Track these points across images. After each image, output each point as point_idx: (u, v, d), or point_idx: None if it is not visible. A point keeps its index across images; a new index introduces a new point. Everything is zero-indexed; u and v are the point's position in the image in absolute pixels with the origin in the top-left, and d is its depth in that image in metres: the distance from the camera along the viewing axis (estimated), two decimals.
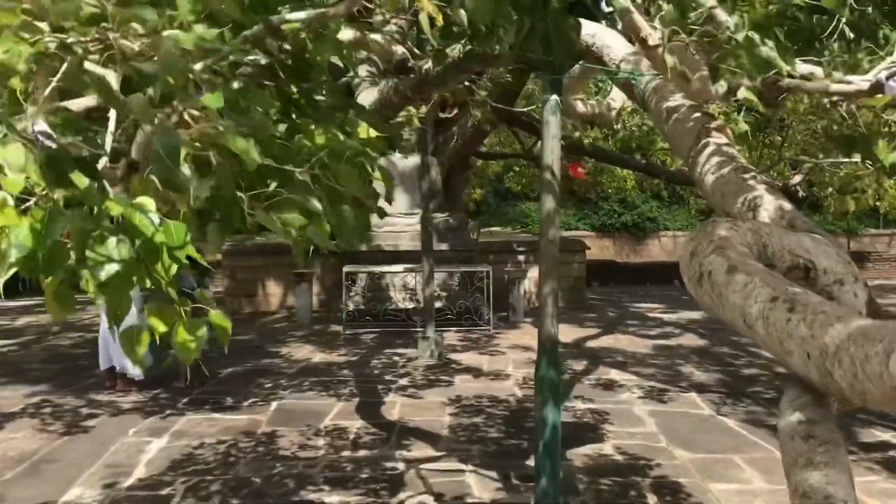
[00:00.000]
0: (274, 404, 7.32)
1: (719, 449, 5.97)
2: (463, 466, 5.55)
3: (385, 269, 11.68)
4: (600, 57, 3.75)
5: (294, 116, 2.74)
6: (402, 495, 5.03)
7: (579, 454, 5.83)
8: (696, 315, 13.19)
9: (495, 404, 7.33)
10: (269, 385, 8.15)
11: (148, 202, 2.04)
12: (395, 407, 7.22)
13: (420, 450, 5.95)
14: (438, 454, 5.85)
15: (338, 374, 8.71)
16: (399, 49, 4.19)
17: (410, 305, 11.75)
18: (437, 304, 11.73)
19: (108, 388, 7.87)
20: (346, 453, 5.86)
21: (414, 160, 12.77)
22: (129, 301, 2.15)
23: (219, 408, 7.22)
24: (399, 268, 11.63)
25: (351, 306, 11.67)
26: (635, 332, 11.70)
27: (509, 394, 7.71)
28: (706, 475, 5.38)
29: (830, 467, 1.45)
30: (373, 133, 2.68)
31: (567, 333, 11.34)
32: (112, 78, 2.02)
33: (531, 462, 5.63)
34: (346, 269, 11.62)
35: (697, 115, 2.93)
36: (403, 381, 8.31)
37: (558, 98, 4.00)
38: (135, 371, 7.85)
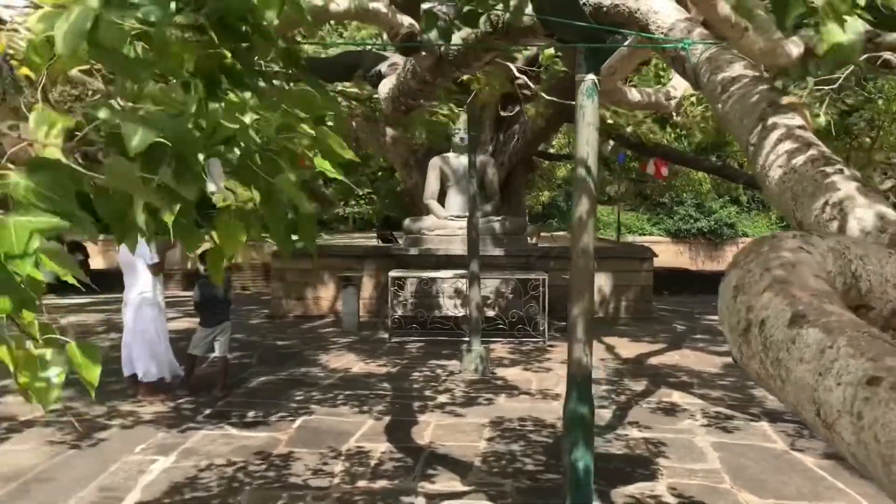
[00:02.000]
0: (299, 421, 6.75)
1: (794, 494, 5.13)
2: None
3: (433, 274, 11.04)
4: (645, 25, 3.03)
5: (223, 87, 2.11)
6: None
7: (625, 494, 5.07)
8: None
9: (539, 429, 6.61)
10: (300, 398, 7.60)
11: None
12: (427, 428, 6.57)
13: (445, 482, 5.28)
14: (465, 489, 5.17)
15: (375, 387, 8.11)
16: (405, 20, 3.54)
17: (461, 313, 11.08)
18: (490, 313, 11.05)
19: (132, 396, 7.45)
20: (362, 483, 5.23)
21: (467, 159, 12.10)
22: None
23: (238, 423, 6.69)
24: (448, 273, 10.97)
25: (399, 312, 11.06)
26: (704, 349, 10.77)
27: (556, 417, 6.96)
28: None
29: None
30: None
31: (628, 348, 10.52)
32: None
33: None
34: (392, 273, 11.02)
35: (763, 88, 2.19)
36: (442, 398, 7.65)
37: (595, 78, 3.27)
38: (159, 375, 7.43)
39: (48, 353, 1.73)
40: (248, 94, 2.03)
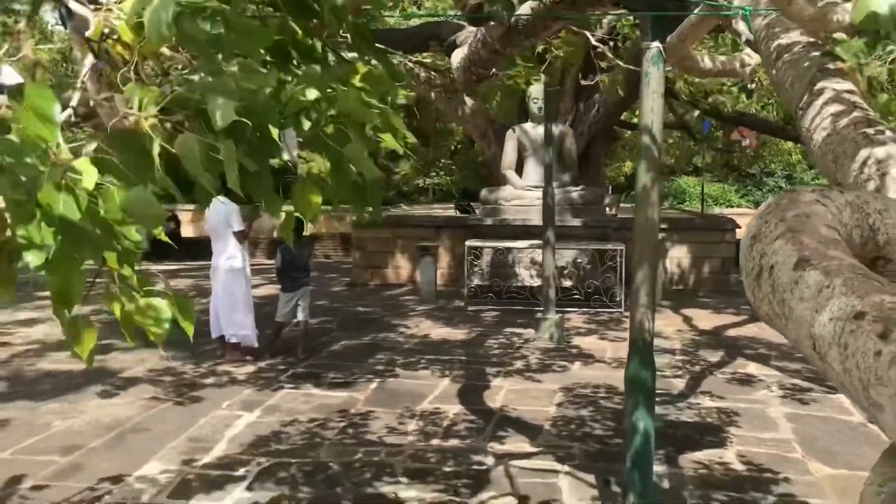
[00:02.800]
0: (377, 382, 7.02)
1: (865, 465, 5.07)
2: (558, 467, 4.99)
3: (508, 244, 11.15)
4: None
5: (295, 62, 2.28)
6: (483, 495, 4.56)
7: (693, 460, 5.13)
8: None
9: (610, 396, 6.69)
10: (378, 361, 7.87)
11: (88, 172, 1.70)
12: (499, 392, 6.74)
13: (515, 443, 5.44)
14: (534, 450, 5.32)
15: (450, 352, 8.31)
16: None
17: (537, 283, 11.16)
18: (567, 284, 11.11)
19: (220, 358, 7.85)
20: (434, 442, 5.44)
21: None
22: (81, 278, 1.83)
23: (320, 383, 6.99)
24: (524, 243, 11.05)
25: (475, 282, 11.23)
26: None
27: None
28: (844, 497, 4.57)
29: None
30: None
31: (707, 320, 10.45)
32: None
33: None
34: (468, 243, 11.18)
35: (815, 54, 2.23)
36: (517, 364, 7.80)
37: (661, 46, 3.33)
38: (246, 339, 7.80)
39: (151, 301, 1.96)
40: (317, 68, 2.19)
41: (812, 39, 2.32)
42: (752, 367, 7.78)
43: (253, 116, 1.96)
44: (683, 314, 10.87)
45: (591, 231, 11.70)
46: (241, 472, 4.84)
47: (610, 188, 18.61)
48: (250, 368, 7.53)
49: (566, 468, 4.96)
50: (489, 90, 9.21)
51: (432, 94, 12.45)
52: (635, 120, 21.69)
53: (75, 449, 5.18)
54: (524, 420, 5.98)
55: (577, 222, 11.62)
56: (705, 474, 4.92)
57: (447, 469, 4.94)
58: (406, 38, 8.71)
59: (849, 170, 1.80)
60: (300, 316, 8.03)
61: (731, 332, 9.69)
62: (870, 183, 1.76)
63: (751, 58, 5.16)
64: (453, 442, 5.44)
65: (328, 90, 2.13)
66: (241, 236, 7.83)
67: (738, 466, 5.05)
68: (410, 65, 10.58)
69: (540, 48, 5.92)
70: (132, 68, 2.08)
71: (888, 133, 1.78)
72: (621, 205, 17.79)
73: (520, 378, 7.26)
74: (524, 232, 11.39)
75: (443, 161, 25.33)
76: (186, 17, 1.80)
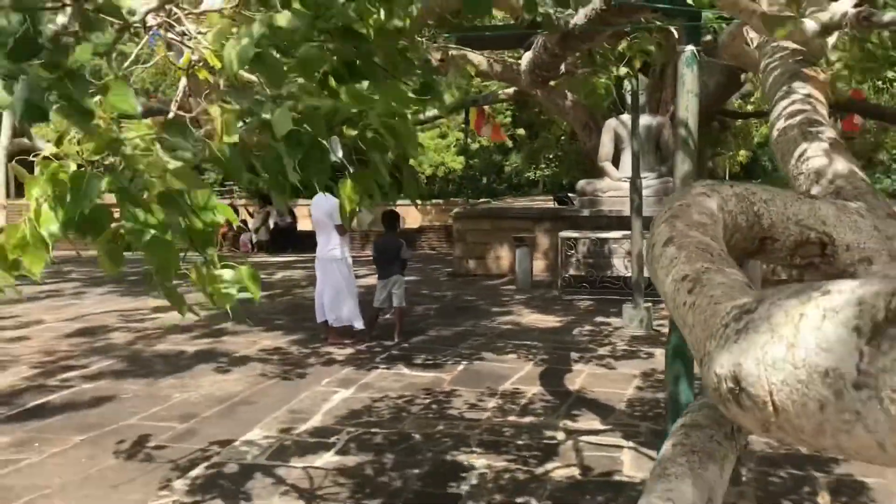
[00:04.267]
0: (464, 364, 7.48)
1: None
2: (623, 442, 5.30)
3: (601, 234, 11.37)
4: None
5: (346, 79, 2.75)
6: (549, 465, 4.94)
7: (758, 440, 5.33)
8: None
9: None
10: (469, 345, 8.33)
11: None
12: (580, 376, 7.06)
13: (587, 422, 5.78)
14: (604, 427, 5.65)
15: (539, 338, 8.68)
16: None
17: (631, 273, 11.34)
18: None
19: (324, 340, 8.50)
20: (511, 418, 5.85)
21: (645, 120, 12.24)
22: (177, 256, 2.35)
23: (412, 364, 7.51)
24: (617, 234, 11.26)
25: (570, 271, 11.52)
26: None
27: None
28: None
29: (681, 480, 1.20)
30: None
31: None
32: None
33: None
34: (562, 234, 11.48)
35: (794, 59, 2.50)
36: (602, 351, 8.08)
37: (694, 49, 3.61)
38: (349, 321, 8.42)
39: (225, 273, 2.47)
40: (364, 85, 2.63)
41: (796, 46, 2.59)
42: None
43: (308, 128, 2.45)
44: None
45: None
46: (332, 439, 5.40)
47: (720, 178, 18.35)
48: (350, 350, 8.14)
49: (631, 444, 5.27)
50: (574, 84, 9.45)
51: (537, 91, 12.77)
52: (750, 107, 21.26)
53: (191, 417, 5.88)
54: (599, 401, 6.30)
55: None
56: (768, 451, 5.11)
57: (519, 442, 5.34)
58: (501, 38, 9.12)
59: (789, 164, 2.11)
60: (395, 302, 8.59)
61: None
62: (800, 176, 2.07)
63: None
64: (528, 419, 5.83)
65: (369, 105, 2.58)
66: (341, 229, 8.45)
67: (801, 447, 5.22)
68: (510, 60, 10.97)
69: (622, 47, 6.17)
70: (214, 90, 2.61)
71: (826, 132, 2.07)
72: None
73: (602, 363, 7.55)
74: (619, 222, 11.59)
75: (552, 153, 25.55)
76: (263, 50, 2.31)
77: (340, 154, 2.57)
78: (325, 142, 2.54)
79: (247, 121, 2.56)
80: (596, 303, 11.00)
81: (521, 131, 26.43)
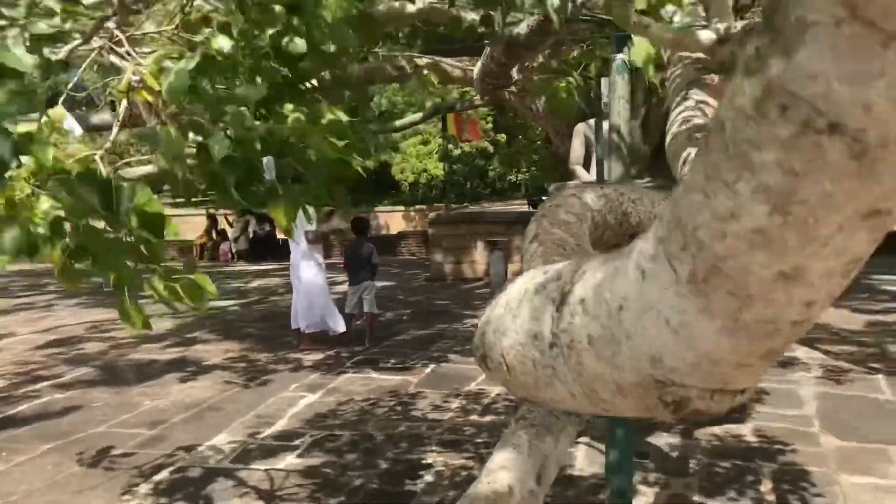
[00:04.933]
0: (431, 367, 7.62)
1: (879, 438, 5.33)
2: (580, 439, 5.46)
3: None
4: None
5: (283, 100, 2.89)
6: None
7: (709, 433, 5.49)
8: None
9: None
10: (439, 348, 8.47)
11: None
12: None
13: None
14: None
15: None
16: (469, 16, 4.18)
17: None
18: None
19: (296, 347, 8.62)
20: (473, 418, 5.99)
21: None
22: (131, 269, 2.47)
23: (381, 368, 7.65)
24: None
25: None
26: (855, 307, 10.55)
27: None
28: (844, 466, 4.85)
29: (518, 451, 1.35)
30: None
31: None
32: None
33: (656, 439, 5.43)
34: None
35: (695, 67, 2.66)
36: None
37: (624, 58, 3.77)
38: (319, 328, 8.55)
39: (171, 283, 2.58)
40: (289, 107, 2.78)
41: (700, 55, 2.75)
42: (800, 351, 7.94)
43: (242, 150, 2.60)
44: None
45: None
46: (296, 442, 5.52)
47: None
48: (319, 356, 8.27)
49: (585, 439, 5.42)
50: (537, 90, 9.60)
51: (506, 94, 12.93)
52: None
53: (159, 424, 5.99)
54: None
55: None
56: (718, 446, 5.27)
57: (478, 440, 5.48)
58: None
59: (677, 167, 2.27)
60: (366, 307, 8.72)
61: None
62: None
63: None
64: (489, 418, 5.98)
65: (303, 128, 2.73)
66: (309, 236, 8.58)
67: (751, 438, 5.38)
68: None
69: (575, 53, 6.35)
70: (156, 111, 2.75)
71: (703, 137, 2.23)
72: None
73: None
74: None
75: (530, 158, 25.76)
76: (198, 83, 2.45)
77: (273, 175, 2.71)
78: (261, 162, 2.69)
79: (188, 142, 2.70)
80: None
81: (502, 136, 26.66)
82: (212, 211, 18.47)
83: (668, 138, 2.41)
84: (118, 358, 8.43)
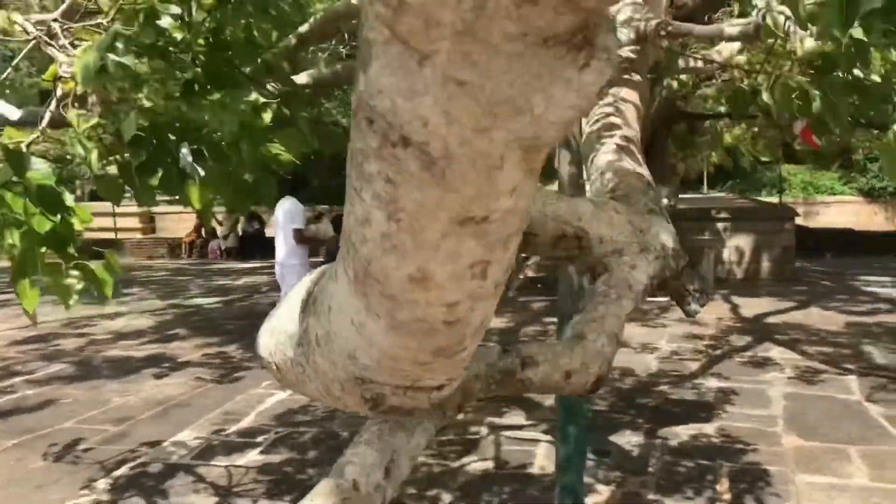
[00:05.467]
0: None
1: (840, 439, 5.33)
2: (542, 437, 5.47)
3: None
4: None
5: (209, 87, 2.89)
6: (466, 459, 5.09)
7: (672, 433, 5.50)
8: None
9: (622, 378, 7.07)
10: None
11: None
12: None
13: (512, 418, 5.94)
14: (527, 423, 5.81)
15: (486, 338, 8.80)
16: None
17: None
18: None
19: None
20: None
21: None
22: (36, 260, 2.47)
23: None
24: None
25: (528, 273, 11.71)
26: (837, 308, 10.56)
27: (644, 367, 7.39)
28: (802, 466, 4.86)
29: (368, 445, 1.36)
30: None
31: (755, 307, 10.55)
32: None
33: (619, 437, 5.45)
34: None
35: (623, 65, 2.67)
36: None
37: None
38: None
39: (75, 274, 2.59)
40: (216, 96, 2.79)
41: (628, 54, 2.76)
42: (775, 352, 7.96)
43: (155, 133, 2.60)
44: (733, 302, 11.00)
45: None
46: (259, 439, 5.53)
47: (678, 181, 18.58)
48: None
49: (548, 438, 5.43)
50: None
51: None
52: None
53: (126, 420, 6.00)
54: (529, 398, 6.45)
55: None
56: (680, 445, 5.28)
57: (443, 438, 5.49)
58: None
59: (589, 166, 2.28)
60: None
61: (773, 320, 9.79)
62: (592, 175, 2.24)
63: (720, 54, 5.48)
64: (458, 416, 5.98)
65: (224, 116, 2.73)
66: (297, 235, 8.57)
67: (714, 438, 5.39)
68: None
69: None
70: (76, 99, 2.76)
71: (617, 136, 2.24)
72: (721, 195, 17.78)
73: None
74: None
75: None
76: (110, 65, 2.46)
77: (190, 160, 2.71)
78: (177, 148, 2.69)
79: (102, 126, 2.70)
80: (550, 304, 11.15)
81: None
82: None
83: (583, 137, 2.42)
84: (95, 354, 8.45)
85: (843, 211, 29.97)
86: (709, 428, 5.61)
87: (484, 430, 5.63)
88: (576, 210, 1.87)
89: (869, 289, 12.21)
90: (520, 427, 5.71)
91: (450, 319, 0.69)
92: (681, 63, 5.39)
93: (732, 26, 2.32)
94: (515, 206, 0.60)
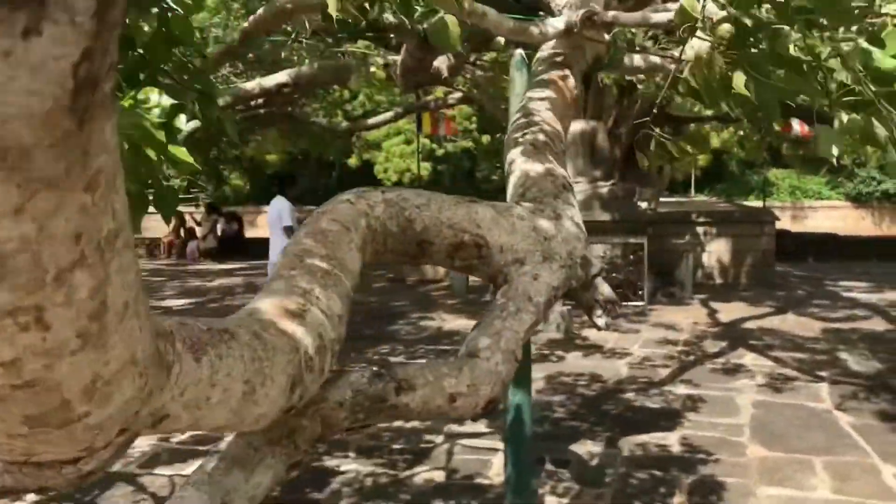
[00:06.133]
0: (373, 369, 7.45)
1: (805, 449, 5.20)
2: (499, 445, 5.31)
3: None
4: (548, 3, 3.36)
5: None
6: (417, 468, 4.94)
7: (634, 442, 5.35)
8: None
9: (590, 383, 6.93)
10: (381, 351, 8.32)
11: None
12: None
13: (471, 425, 5.78)
14: (486, 431, 5.66)
15: (458, 342, 8.66)
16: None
17: None
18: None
19: None
20: (395, 424, 5.84)
21: (580, 125, 12.32)
22: None
23: None
24: None
25: None
26: (814, 314, 10.46)
27: (613, 374, 7.25)
28: (764, 477, 4.72)
29: (197, 487, 1.21)
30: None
31: (732, 312, 10.43)
32: None
33: (580, 447, 5.31)
34: None
35: (546, 65, 2.53)
36: None
37: (523, 53, 3.64)
38: None
39: None
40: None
41: (560, 50, 2.61)
42: (748, 358, 7.83)
43: None
44: (711, 307, 10.88)
45: (621, 226, 11.83)
46: (208, 447, 5.36)
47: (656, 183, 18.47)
48: None
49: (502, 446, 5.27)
50: (485, 86, 9.49)
51: (474, 91, 12.81)
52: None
53: None
54: None
55: (606, 217, 11.77)
56: (640, 455, 5.13)
57: (396, 447, 5.33)
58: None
59: (506, 165, 2.13)
60: None
61: (749, 325, 9.66)
62: (511, 177, 2.09)
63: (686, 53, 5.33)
64: (411, 424, 5.82)
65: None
66: (289, 231, 8.48)
67: (676, 448, 5.24)
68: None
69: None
70: None
71: (528, 137, 2.09)
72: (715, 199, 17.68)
73: None
74: None
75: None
76: None
77: None
78: None
79: None
80: None
81: (486, 137, 26.56)
82: (180, 209, 18.09)
83: (506, 138, 2.27)
84: None
85: (830, 216, 30.04)
86: (672, 437, 5.46)
87: (439, 439, 5.47)
88: (474, 216, 1.72)
89: (848, 294, 12.10)
90: (478, 435, 5.55)
91: (16, 382, 0.54)
92: (637, 61, 5.25)
93: (658, 13, 2.18)
94: (32, 232, 0.45)
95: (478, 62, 8.52)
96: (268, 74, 12.61)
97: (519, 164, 1.99)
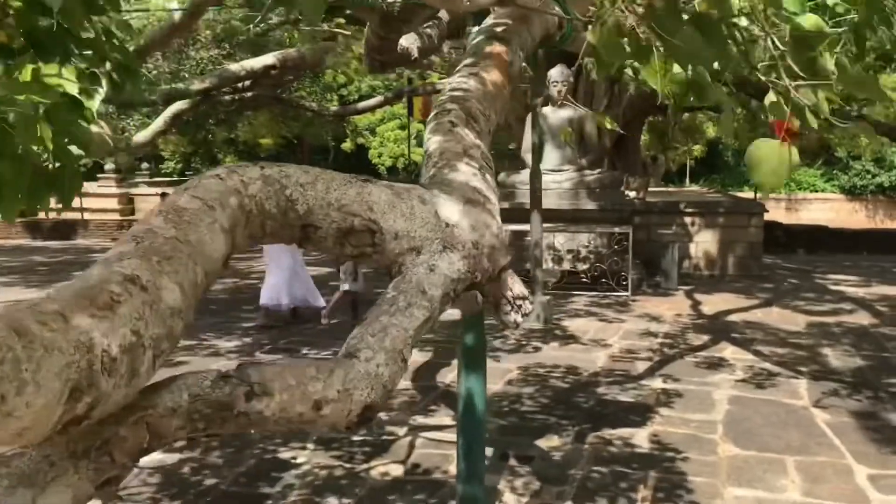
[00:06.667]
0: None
1: (778, 447, 5.04)
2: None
3: (515, 227, 11.22)
4: None
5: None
6: (374, 462, 4.77)
7: (602, 438, 5.19)
8: (892, 290, 11.41)
9: (564, 375, 6.76)
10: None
11: None
12: (454, 370, 6.90)
13: (438, 417, 5.62)
14: (451, 423, 5.49)
15: (437, 331, 8.51)
16: None
17: (551, 266, 11.23)
18: (582, 267, 11.16)
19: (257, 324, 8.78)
20: None
21: (566, 113, 12.12)
22: None
23: (294, 356, 7.33)
24: (527, 226, 11.10)
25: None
26: (799, 307, 10.28)
27: (589, 365, 7.09)
28: (733, 477, 4.56)
29: None
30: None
31: (717, 304, 10.26)
32: None
33: (546, 442, 5.15)
34: None
35: (484, 38, 2.34)
36: (494, 343, 7.93)
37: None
38: (275, 303, 8.68)
39: None
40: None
41: (506, 21, 2.42)
42: (729, 352, 7.66)
43: None
44: (695, 299, 10.71)
45: (608, 215, 11.64)
46: None
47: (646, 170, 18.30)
48: (237, 342, 7.95)
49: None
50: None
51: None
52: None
53: None
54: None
55: (593, 206, 11.58)
56: (604, 452, 4.97)
57: (356, 439, 5.16)
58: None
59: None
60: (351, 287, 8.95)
61: (733, 318, 9.50)
62: (429, 161, 1.90)
63: None
64: (380, 414, 5.66)
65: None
66: None
67: (644, 446, 5.07)
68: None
69: None
70: None
71: (445, 118, 1.90)
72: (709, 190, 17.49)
73: (488, 357, 7.39)
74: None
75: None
76: None
77: None
78: None
79: None
80: (594, 299, 10.80)
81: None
82: (165, 192, 17.96)
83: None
84: None
85: (824, 208, 29.91)
86: (642, 433, 5.30)
87: (401, 431, 5.31)
88: (367, 198, 1.52)
89: (836, 287, 11.94)
90: (442, 427, 5.39)
91: None
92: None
93: None
94: None
95: (453, 47, 8.33)
96: (254, 56, 12.38)
97: (432, 144, 1.81)
